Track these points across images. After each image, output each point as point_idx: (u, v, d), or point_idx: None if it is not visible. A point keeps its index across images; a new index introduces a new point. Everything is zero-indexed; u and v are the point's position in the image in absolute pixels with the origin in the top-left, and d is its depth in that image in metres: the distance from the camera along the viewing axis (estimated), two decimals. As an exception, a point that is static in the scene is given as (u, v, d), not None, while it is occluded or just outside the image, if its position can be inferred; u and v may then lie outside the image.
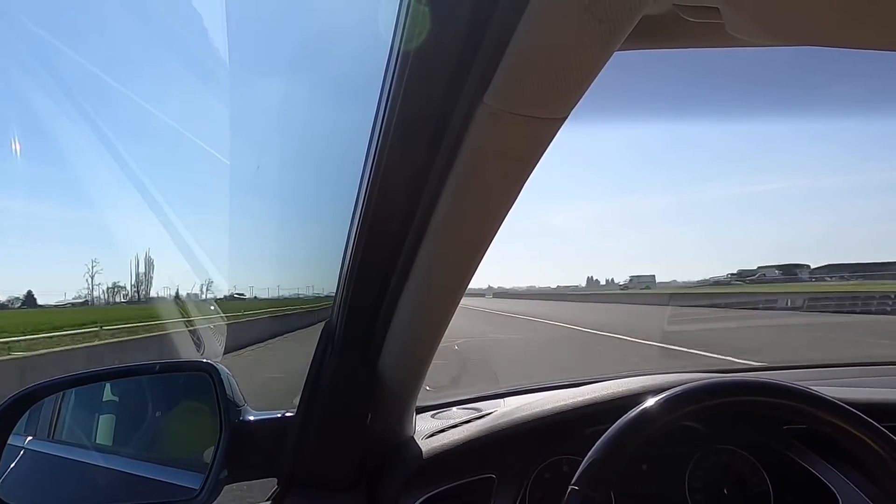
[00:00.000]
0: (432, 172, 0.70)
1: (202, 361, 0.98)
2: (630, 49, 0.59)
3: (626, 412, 0.74)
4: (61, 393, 1.04)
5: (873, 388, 1.17)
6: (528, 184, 0.70)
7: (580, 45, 0.51)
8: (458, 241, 0.78)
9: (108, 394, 1.06)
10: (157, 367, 1.03)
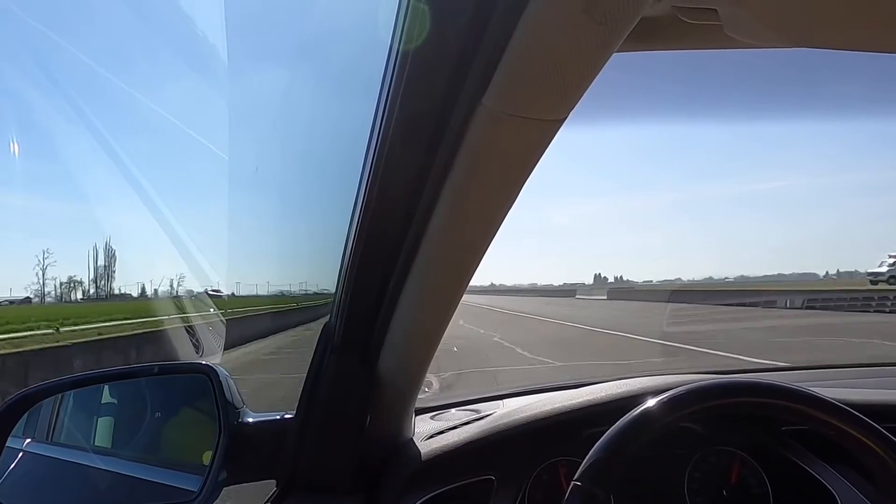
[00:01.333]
0: (431, 174, 0.70)
1: (201, 363, 0.99)
2: (629, 50, 0.59)
3: (625, 414, 0.74)
4: (59, 395, 1.04)
5: (872, 389, 1.17)
6: (532, 183, 0.70)
7: (579, 47, 0.50)
8: (457, 243, 0.78)
9: (106, 396, 1.06)
10: (156, 369, 1.03)
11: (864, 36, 0.45)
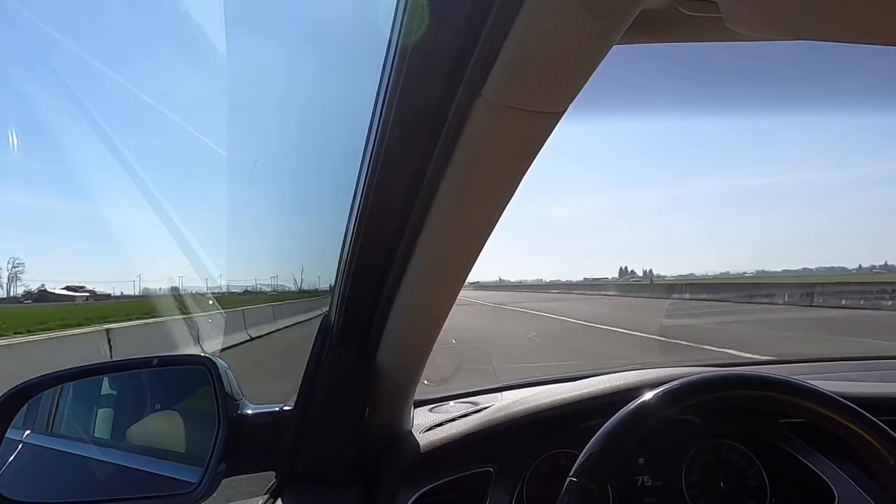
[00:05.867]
0: (430, 166, 0.70)
1: (200, 355, 0.99)
2: (629, 43, 0.58)
3: (624, 406, 0.74)
4: (59, 387, 1.05)
5: (871, 382, 1.17)
6: (547, 179, 0.69)
7: (579, 40, 0.50)
8: (456, 235, 0.78)
9: (106, 388, 1.06)
10: (155, 361, 1.03)
11: (869, 28, 0.45)
